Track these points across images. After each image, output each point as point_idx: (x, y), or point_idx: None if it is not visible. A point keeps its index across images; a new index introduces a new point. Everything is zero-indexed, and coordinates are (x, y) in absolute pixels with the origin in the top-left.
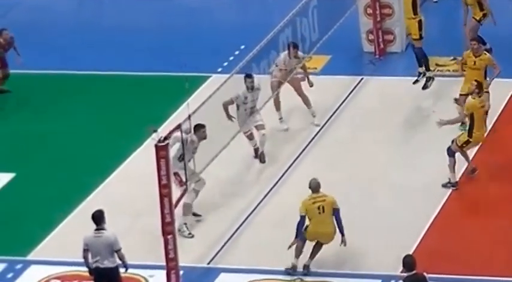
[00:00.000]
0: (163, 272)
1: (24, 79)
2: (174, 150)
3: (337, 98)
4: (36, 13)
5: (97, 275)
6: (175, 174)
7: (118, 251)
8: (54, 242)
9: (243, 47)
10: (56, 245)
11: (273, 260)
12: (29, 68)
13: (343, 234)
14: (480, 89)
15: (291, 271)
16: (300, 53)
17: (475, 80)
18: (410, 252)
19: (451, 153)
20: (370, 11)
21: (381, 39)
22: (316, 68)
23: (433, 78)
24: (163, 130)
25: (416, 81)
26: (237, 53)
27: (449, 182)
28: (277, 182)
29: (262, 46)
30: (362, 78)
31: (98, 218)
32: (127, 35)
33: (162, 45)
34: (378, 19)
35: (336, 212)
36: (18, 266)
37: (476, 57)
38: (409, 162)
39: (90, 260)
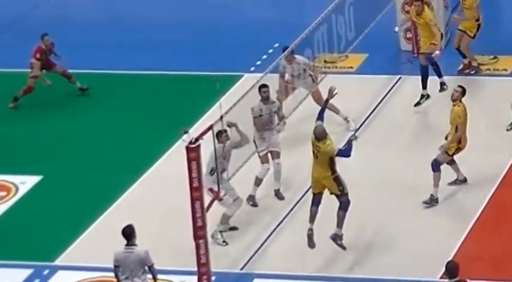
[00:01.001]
0: (195, 278)
1: (52, 78)
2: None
3: (373, 98)
4: (62, 10)
5: None
6: (210, 190)
7: (150, 266)
8: (82, 246)
9: (276, 45)
10: (83, 250)
11: (307, 266)
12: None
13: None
14: (464, 94)
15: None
16: (298, 58)
17: (459, 86)
18: (450, 257)
19: (436, 167)
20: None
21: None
22: (352, 67)
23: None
24: (194, 131)
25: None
26: (270, 51)
27: (432, 199)
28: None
29: (296, 44)
30: (400, 78)
31: (129, 233)
32: (156, 32)
33: (194, 43)
34: None
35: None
36: (45, 272)
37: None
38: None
39: (120, 277)
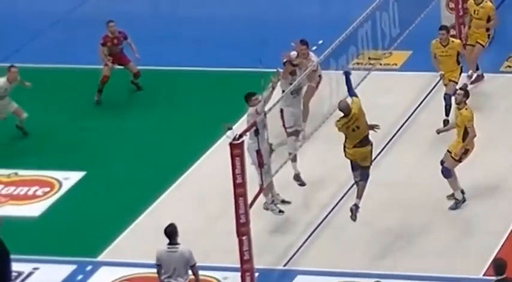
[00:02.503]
0: (238, 275)
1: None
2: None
3: (417, 95)
4: (112, 6)
5: None
6: (258, 152)
7: (193, 266)
8: (125, 243)
9: (321, 42)
10: (127, 246)
11: (351, 262)
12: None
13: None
14: (467, 97)
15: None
16: (311, 54)
17: (461, 89)
18: (494, 254)
19: (448, 173)
20: (452, 5)
21: (463, 35)
22: (396, 64)
23: None
24: (238, 128)
25: None
26: (314, 48)
27: (457, 202)
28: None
29: (340, 41)
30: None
31: (171, 233)
32: (202, 28)
33: (239, 39)
34: (461, 13)
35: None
36: (88, 268)
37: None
38: (490, 161)
39: (162, 275)
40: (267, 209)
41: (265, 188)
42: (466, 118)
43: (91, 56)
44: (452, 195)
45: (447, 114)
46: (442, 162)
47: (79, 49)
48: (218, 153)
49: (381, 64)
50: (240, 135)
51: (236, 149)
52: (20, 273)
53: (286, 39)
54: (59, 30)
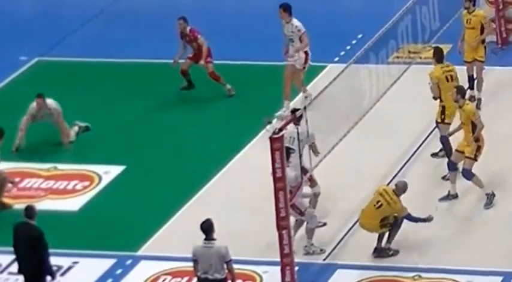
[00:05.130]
0: (278, 269)
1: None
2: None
3: None
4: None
5: None
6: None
7: (229, 262)
8: (165, 236)
9: (360, 35)
10: (166, 239)
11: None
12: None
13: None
14: (462, 93)
15: None
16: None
17: (454, 87)
18: None
19: (469, 175)
20: None
21: (503, 28)
22: None
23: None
24: (278, 121)
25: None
26: (354, 42)
27: (449, 195)
28: (396, 175)
29: (380, 35)
30: (484, 69)
31: (207, 228)
32: (243, 22)
33: (277, 32)
34: (501, 7)
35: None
36: (128, 262)
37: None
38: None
39: (199, 271)
40: (308, 252)
41: (308, 231)
42: (470, 112)
43: (129, 50)
44: (448, 196)
45: (471, 87)
46: (450, 164)
47: (119, 42)
48: (259, 147)
49: (420, 58)
50: (280, 129)
51: (276, 142)
52: (59, 267)
53: (327, 33)
54: (100, 23)
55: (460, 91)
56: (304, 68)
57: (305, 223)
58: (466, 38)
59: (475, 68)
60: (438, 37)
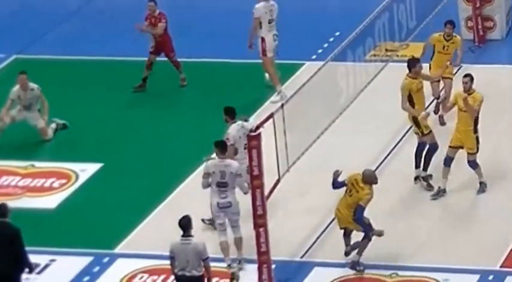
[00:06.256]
0: (255, 267)
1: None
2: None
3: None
4: None
5: None
6: None
7: (206, 259)
8: (142, 234)
9: (337, 33)
10: (144, 237)
11: (368, 254)
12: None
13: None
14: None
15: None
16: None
17: (467, 75)
18: (511, 246)
19: (475, 164)
20: None
21: (480, 26)
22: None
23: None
24: (255, 119)
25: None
26: (331, 39)
27: (440, 190)
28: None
29: (358, 33)
30: (461, 67)
31: (185, 225)
32: (222, 20)
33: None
34: (478, 5)
35: (359, 208)
36: (105, 260)
37: (447, 41)
38: (504, 152)
39: (176, 268)
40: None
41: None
42: (479, 99)
43: (106, 47)
44: (439, 193)
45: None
46: (446, 159)
47: (96, 40)
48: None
49: (397, 56)
50: (257, 127)
51: (253, 140)
52: (36, 265)
53: (304, 31)
54: (77, 21)
55: (472, 80)
56: (264, 55)
57: None
58: (436, 64)
59: (442, 85)
60: (415, 35)
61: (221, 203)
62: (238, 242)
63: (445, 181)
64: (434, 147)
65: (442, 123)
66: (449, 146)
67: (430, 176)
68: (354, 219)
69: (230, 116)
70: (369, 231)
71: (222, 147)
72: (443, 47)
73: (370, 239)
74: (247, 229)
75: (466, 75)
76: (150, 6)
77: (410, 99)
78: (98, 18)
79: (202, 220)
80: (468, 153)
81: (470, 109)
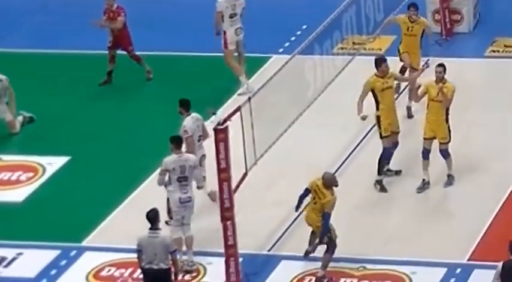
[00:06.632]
0: (222, 260)
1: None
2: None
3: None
4: None
5: (148, 276)
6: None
7: (173, 252)
8: (110, 227)
9: (305, 26)
10: (111, 231)
11: (337, 248)
12: (93, 48)
13: (320, 241)
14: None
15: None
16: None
17: (440, 65)
18: (478, 240)
19: (447, 154)
20: None
21: (447, 19)
22: (380, 49)
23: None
24: (222, 113)
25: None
26: (299, 33)
27: (425, 183)
28: (341, 165)
29: (325, 26)
30: (428, 60)
31: (153, 217)
32: (189, 13)
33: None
34: None
35: (325, 215)
36: (72, 253)
37: (412, 22)
38: (475, 143)
39: (143, 261)
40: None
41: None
42: (452, 88)
43: (72, 40)
44: (424, 185)
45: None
46: (424, 152)
47: (62, 33)
48: None
49: (365, 49)
50: (224, 121)
51: (220, 134)
52: (3, 259)
53: (272, 24)
54: (43, 14)
55: (445, 70)
56: (226, 47)
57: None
58: (405, 45)
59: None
60: (382, 28)
61: (183, 198)
62: (190, 240)
63: (427, 173)
64: (388, 152)
65: (410, 115)
66: (424, 138)
67: (399, 171)
68: (323, 226)
69: (185, 108)
70: (323, 237)
71: (177, 142)
72: (408, 29)
73: (332, 252)
74: (213, 222)
75: (440, 65)
76: (107, 1)
77: (376, 97)
78: (64, 12)
79: (166, 222)
80: (440, 143)
81: (446, 99)
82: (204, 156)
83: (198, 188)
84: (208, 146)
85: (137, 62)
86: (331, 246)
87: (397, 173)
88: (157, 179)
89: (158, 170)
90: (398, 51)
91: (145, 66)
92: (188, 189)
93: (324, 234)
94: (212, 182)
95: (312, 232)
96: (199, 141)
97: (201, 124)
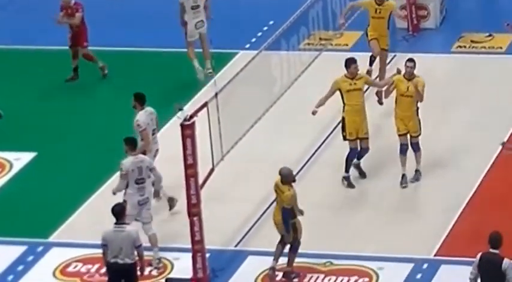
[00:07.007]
0: (189, 255)
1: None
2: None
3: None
4: None
5: (113, 271)
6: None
7: (139, 247)
8: (76, 223)
9: (271, 22)
10: (78, 226)
11: (303, 243)
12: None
13: (286, 233)
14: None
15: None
16: None
17: (411, 60)
18: (444, 235)
19: (419, 147)
20: None
21: (414, 15)
22: (347, 45)
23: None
24: (189, 108)
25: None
26: (265, 28)
27: (405, 176)
28: (307, 161)
29: (291, 22)
30: (395, 55)
31: (118, 212)
32: (153, 8)
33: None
34: None
35: (284, 210)
36: (39, 249)
37: (379, 5)
38: (441, 138)
39: (108, 255)
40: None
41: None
42: (423, 83)
43: (39, 37)
44: (404, 180)
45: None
46: (402, 147)
47: (28, 30)
48: (169, 134)
49: (332, 44)
50: (191, 116)
51: (187, 129)
52: None
53: (238, 19)
54: (8, 11)
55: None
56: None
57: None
58: (373, 28)
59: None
60: (349, 24)
61: (141, 200)
62: (154, 238)
63: (405, 168)
64: (353, 152)
65: (380, 102)
66: (399, 135)
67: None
68: (283, 221)
69: (139, 102)
70: (285, 234)
71: (132, 143)
72: (376, 11)
73: (296, 250)
74: (180, 218)
75: (410, 60)
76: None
77: (342, 98)
78: (28, 9)
79: (136, 219)
80: (413, 136)
81: (419, 94)
82: (157, 151)
83: (155, 191)
84: (176, 141)
85: (90, 61)
86: (296, 245)
87: (362, 174)
88: (119, 184)
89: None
90: (367, 34)
91: (98, 62)
92: (145, 190)
93: (286, 230)
94: (179, 178)
95: (279, 243)
96: (153, 135)
97: (155, 118)
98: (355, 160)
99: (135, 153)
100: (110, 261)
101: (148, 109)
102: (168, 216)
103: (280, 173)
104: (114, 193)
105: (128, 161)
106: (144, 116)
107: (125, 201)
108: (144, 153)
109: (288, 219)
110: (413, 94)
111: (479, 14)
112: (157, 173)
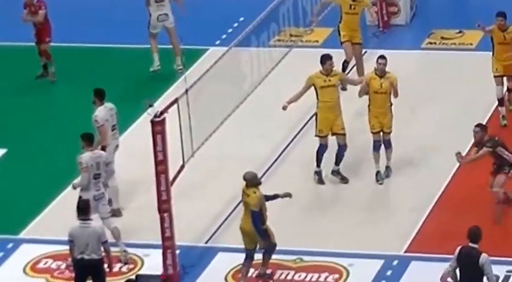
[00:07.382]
0: (159, 252)
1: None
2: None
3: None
4: None
5: (80, 267)
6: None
7: (105, 242)
8: (47, 220)
9: (242, 19)
10: (48, 223)
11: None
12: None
13: (261, 239)
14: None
15: None
16: None
17: (382, 57)
18: (415, 232)
19: (391, 144)
20: None
21: (384, 12)
22: (318, 41)
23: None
24: (159, 105)
25: None
26: (235, 25)
27: (380, 174)
28: (276, 160)
29: (262, 18)
30: (365, 52)
31: (83, 208)
32: (125, 7)
33: None
34: None
35: (253, 214)
36: (9, 245)
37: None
38: (411, 136)
39: (75, 251)
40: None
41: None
42: (396, 79)
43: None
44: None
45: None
46: (375, 144)
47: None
48: (139, 131)
49: (302, 41)
50: (161, 113)
51: (157, 126)
52: None
53: (208, 16)
54: None
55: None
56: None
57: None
58: (346, 25)
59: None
60: (319, 20)
61: (97, 195)
62: (116, 231)
63: (379, 165)
64: (322, 148)
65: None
66: (373, 132)
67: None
68: (253, 226)
69: (99, 97)
70: (264, 239)
71: (88, 139)
72: (350, 7)
73: (272, 252)
74: (151, 214)
75: (382, 57)
76: None
77: (316, 94)
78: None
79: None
80: (386, 133)
81: (395, 91)
82: (117, 146)
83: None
84: (146, 137)
85: (46, 59)
86: (271, 249)
87: (344, 179)
88: (81, 179)
89: None
90: (339, 31)
91: (52, 66)
92: (100, 185)
93: (260, 235)
94: (150, 174)
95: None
96: (113, 131)
97: (115, 113)
98: (333, 166)
99: (92, 149)
100: (76, 257)
101: (108, 105)
102: (139, 212)
103: (244, 178)
104: (74, 188)
105: (87, 156)
106: (103, 111)
107: (80, 196)
108: (103, 148)
109: (258, 223)
110: (386, 90)
111: (450, 10)
112: (112, 168)
